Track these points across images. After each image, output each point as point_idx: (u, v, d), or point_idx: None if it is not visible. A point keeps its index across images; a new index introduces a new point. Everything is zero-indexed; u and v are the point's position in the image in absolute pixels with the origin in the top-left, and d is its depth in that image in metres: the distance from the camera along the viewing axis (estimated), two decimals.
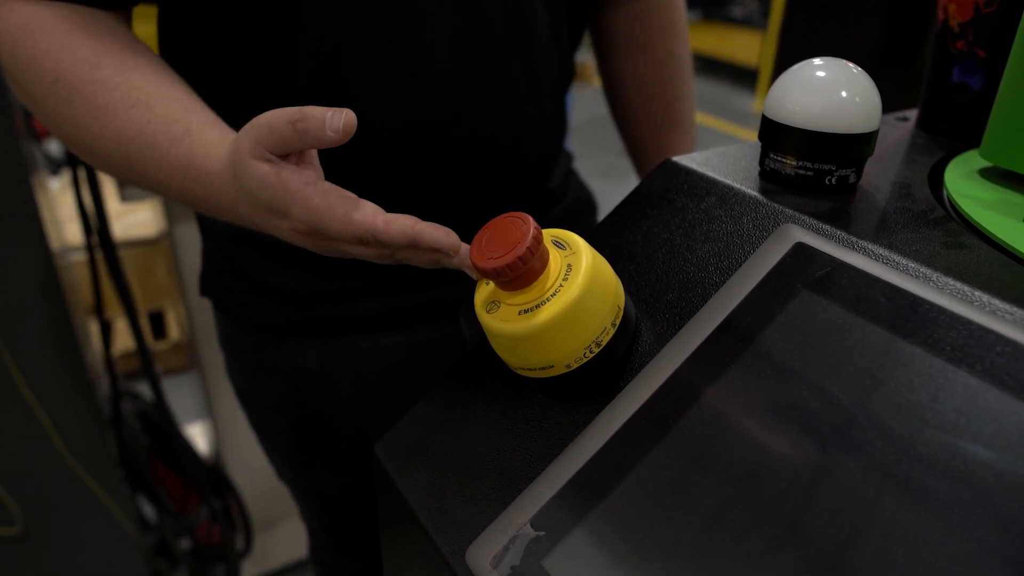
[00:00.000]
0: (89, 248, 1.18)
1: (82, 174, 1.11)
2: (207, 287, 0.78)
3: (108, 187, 1.20)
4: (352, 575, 0.94)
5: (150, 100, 0.52)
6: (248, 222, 0.50)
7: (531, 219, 0.40)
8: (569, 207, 0.81)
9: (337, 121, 0.42)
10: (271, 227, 0.49)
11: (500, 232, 0.40)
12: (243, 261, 0.72)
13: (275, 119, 0.43)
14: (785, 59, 4.17)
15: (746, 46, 5.78)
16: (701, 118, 4.93)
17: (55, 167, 2.05)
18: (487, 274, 0.40)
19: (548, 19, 0.67)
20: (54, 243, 1.09)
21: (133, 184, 0.56)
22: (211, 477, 1.41)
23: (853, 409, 0.35)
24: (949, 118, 0.58)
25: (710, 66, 5.97)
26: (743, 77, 5.72)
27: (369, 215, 0.44)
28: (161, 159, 0.51)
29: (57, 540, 1.21)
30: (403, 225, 0.44)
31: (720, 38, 6.12)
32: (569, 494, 0.39)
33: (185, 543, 1.39)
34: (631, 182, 0.91)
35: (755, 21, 6.16)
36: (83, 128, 0.53)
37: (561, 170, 0.80)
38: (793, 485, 0.34)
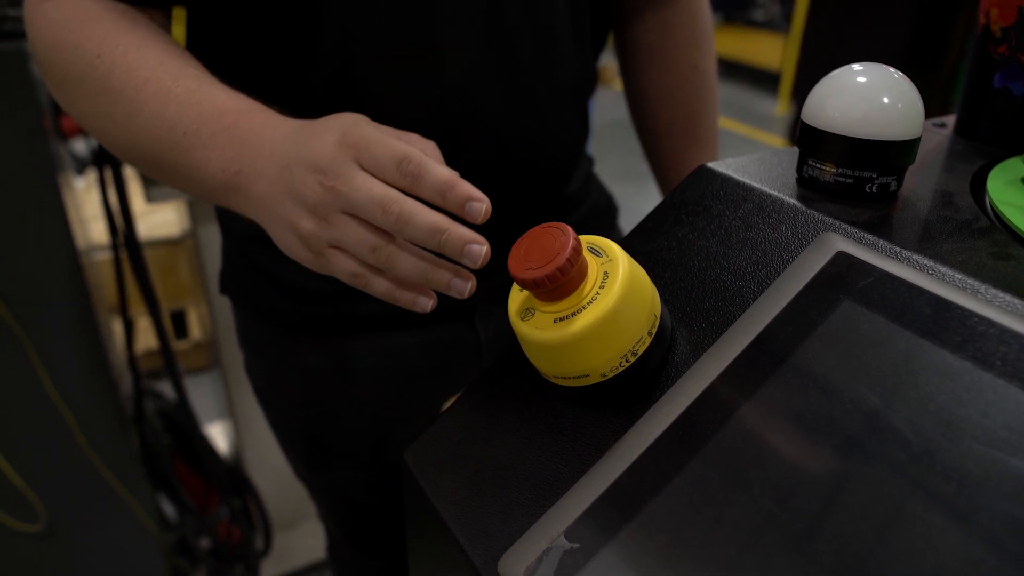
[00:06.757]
0: (114, 247, 1.19)
1: (108, 174, 1.12)
2: (226, 285, 0.79)
3: (133, 187, 1.21)
4: (369, 575, 0.94)
5: (200, 76, 0.52)
6: (278, 156, 0.48)
7: (570, 230, 0.39)
8: (588, 212, 0.81)
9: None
10: (300, 159, 0.46)
11: (539, 242, 0.40)
12: (261, 259, 0.72)
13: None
14: (808, 63, 4.13)
15: (768, 49, 5.75)
16: (722, 122, 4.88)
17: (81, 166, 2.07)
18: (525, 285, 0.39)
19: (571, 24, 0.67)
20: (79, 242, 1.10)
21: (164, 163, 0.53)
22: (231, 477, 1.41)
23: (898, 424, 0.34)
24: (989, 124, 0.57)
25: (731, 69, 5.94)
26: (765, 81, 5.67)
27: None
28: (209, 106, 0.51)
29: (79, 537, 1.22)
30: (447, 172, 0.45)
31: (742, 41, 6.09)
32: (604, 506, 0.38)
33: (205, 542, 1.39)
34: (651, 186, 0.90)
35: (777, 24, 6.14)
36: (119, 105, 0.52)
37: (581, 175, 0.79)
38: (834, 504, 0.33)
